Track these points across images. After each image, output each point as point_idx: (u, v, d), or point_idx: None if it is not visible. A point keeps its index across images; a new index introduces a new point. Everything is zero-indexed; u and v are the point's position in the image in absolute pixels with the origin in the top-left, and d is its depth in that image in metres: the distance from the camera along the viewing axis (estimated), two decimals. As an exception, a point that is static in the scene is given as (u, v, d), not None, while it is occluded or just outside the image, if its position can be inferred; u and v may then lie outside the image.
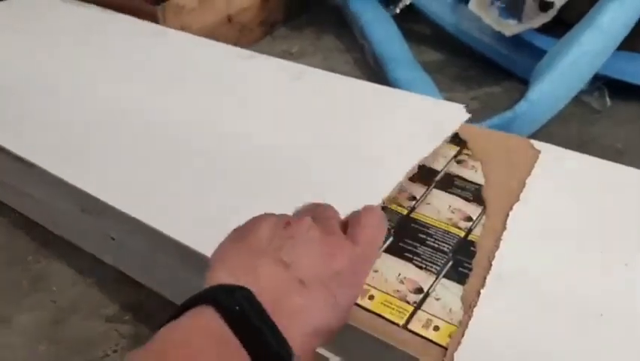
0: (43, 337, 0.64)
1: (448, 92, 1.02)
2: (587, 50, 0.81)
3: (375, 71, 1.08)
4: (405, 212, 0.61)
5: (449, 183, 0.64)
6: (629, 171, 0.65)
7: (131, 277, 0.69)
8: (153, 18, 1.00)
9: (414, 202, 0.62)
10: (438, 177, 0.65)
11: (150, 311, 0.66)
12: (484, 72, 1.06)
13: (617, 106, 0.94)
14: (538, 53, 0.94)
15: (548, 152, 0.67)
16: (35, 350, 0.62)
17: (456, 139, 0.70)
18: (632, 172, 0.65)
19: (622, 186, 0.63)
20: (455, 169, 0.66)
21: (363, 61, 1.14)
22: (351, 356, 0.52)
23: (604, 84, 0.95)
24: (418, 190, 0.63)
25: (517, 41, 1.00)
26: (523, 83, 0.98)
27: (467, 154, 0.68)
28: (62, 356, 0.61)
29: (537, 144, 0.68)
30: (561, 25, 0.93)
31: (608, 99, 0.94)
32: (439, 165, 0.67)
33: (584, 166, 0.66)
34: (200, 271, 0.59)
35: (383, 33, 1.07)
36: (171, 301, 0.66)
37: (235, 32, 1.18)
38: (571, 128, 0.91)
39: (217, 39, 1.14)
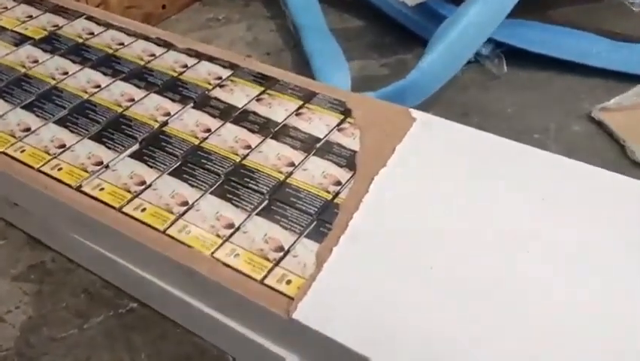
0: (-50, 295, 0.68)
1: (361, 59, 1.07)
2: (475, 22, 0.86)
3: (295, 39, 1.12)
4: (282, 178, 0.66)
5: (327, 150, 0.69)
6: (495, 139, 0.71)
7: (40, 240, 0.74)
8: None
9: (292, 168, 0.67)
10: (319, 145, 0.70)
11: (54, 271, 0.71)
12: (398, 39, 1.11)
13: (514, 73, 1.00)
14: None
15: (424, 121, 0.73)
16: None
17: (342, 107, 0.76)
18: (496, 140, 0.71)
19: (485, 153, 0.69)
20: (336, 137, 0.71)
21: (286, 28, 1.17)
22: (221, 309, 0.58)
23: (502, 52, 1.00)
24: (298, 157, 0.69)
25: (426, 9, 1.04)
26: (433, 49, 1.02)
27: (350, 122, 0.74)
28: (-33, 313, 0.67)
29: (416, 113, 0.74)
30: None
31: (505, 66, 1.00)
32: (321, 133, 0.72)
33: (454, 135, 0.72)
34: (93, 233, 0.65)
35: (301, 1, 1.10)
36: (73, 260, 0.72)
37: (162, -1, 1.20)
38: (469, 94, 0.97)
39: (144, 7, 1.17)
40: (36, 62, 0.85)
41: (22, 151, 0.70)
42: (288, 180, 0.66)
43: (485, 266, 0.56)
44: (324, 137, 0.71)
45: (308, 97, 0.78)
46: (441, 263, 0.56)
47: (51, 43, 0.89)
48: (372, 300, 0.53)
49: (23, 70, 0.83)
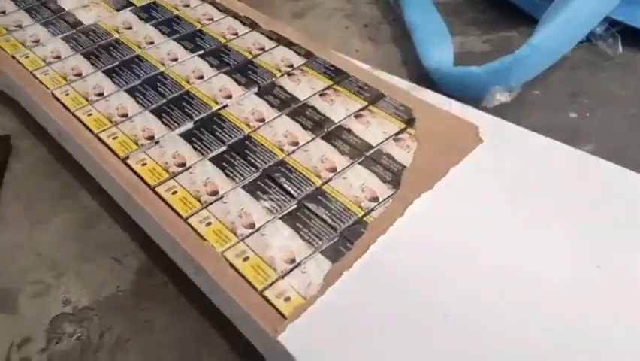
0: (74, 236, 0.73)
1: (462, 36, 0.98)
2: (593, -1, 0.74)
3: (395, 12, 1.05)
4: (319, 183, 0.62)
5: (376, 161, 0.64)
6: (577, 156, 0.62)
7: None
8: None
9: (332, 174, 0.63)
10: (368, 153, 0.65)
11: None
12: (501, 16, 1.01)
13: (630, 54, 0.88)
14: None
15: (493, 142, 0.64)
16: (66, 247, 0.72)
17: (406, 115, 0.69)
18: (576, 157, 0.61)
19: (554, 183, 0.60)
20: (389, 147, 0.66)
21: (385, 1, 1.10)
22: (223, 306, 0.57)
23: (618, 31, 0.89)
24: (342, 163, 0.64)
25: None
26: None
27: (409, 133, 0.67)
28: (88, 253, 0.71)
29: (486, 134, 0.65)
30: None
31: (620, 46, 0.88)
32: (375, 141, 0.67)
33: (523, 156, 0.63)
34: (130, 207, 0.63)
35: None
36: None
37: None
38: (579, 74, 0.87)
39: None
40: (129, 28, 0.88)
41: (90, 115, 0.73)
42: (323, 187, 0.62)
43: (520, 324, 0.48)
44: (377, 145, 0.66)
45: (374, 99, 0.72)
46: (457, 313, 0.49)
47: (148, 11, 0.92)
48: (372, 340, 0.48)
49: (116, 35, 0.87)
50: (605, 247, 0.53)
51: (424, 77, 0.84)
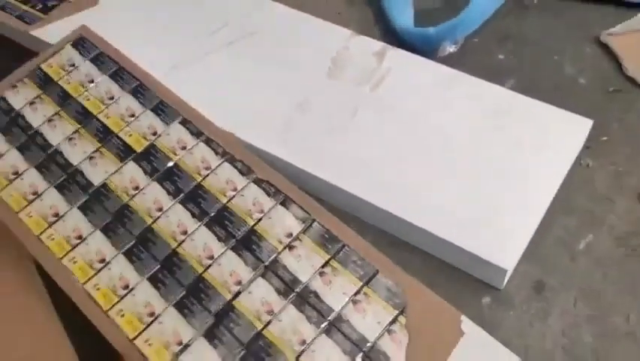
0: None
1: None
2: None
3: None
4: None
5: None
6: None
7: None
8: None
9: (303, 346, 0.61)
10: (365, 349, 0.61)
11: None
12: None
13: (544, 2, 1.06)
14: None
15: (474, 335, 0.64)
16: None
17: (397, 299, 0.65)
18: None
19: None
20: (385, 343, 0.62)
21: None
22: None
23: None
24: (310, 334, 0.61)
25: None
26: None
27: (400, 323, 0.63)
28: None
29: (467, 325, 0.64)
30: None
31: None
32: (372, 335, 0.62)
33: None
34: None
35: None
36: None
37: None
38: (507, 22, 1.04)
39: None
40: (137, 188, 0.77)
41: (52, 239, 0.72)
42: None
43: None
44: (374, 341, 0.62)
45: (368, 277, 0.67)
46: None
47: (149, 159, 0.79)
48: None
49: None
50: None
51: (394, 35, 1.02)
